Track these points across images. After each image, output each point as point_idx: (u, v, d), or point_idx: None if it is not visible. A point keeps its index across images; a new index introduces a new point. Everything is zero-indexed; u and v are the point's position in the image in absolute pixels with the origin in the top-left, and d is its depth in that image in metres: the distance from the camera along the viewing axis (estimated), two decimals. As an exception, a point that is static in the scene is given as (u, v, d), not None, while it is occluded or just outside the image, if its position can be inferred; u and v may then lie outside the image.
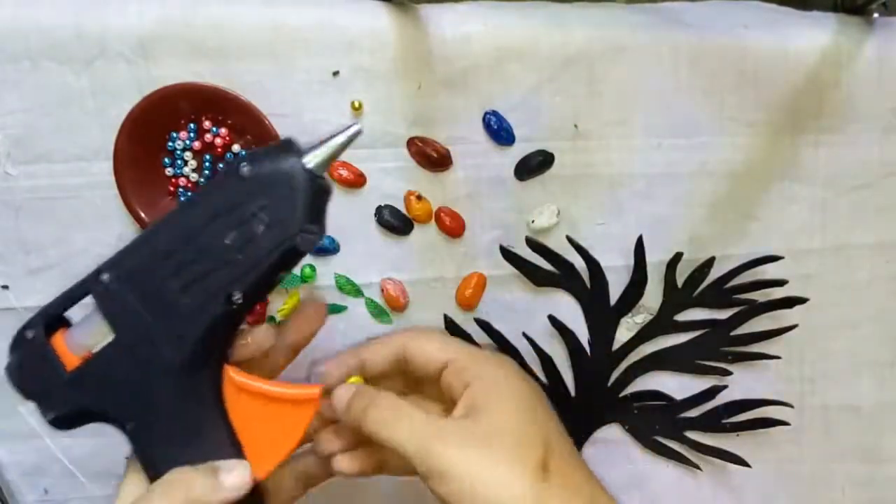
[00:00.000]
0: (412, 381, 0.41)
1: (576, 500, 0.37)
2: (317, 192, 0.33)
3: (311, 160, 0.32)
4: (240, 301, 0.33)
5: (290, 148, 0.33)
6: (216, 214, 0.33)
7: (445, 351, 0.39)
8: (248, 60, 0.41)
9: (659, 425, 0.49)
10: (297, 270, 0.45)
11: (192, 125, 0.41)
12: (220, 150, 0.42)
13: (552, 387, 0.48)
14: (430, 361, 0.39)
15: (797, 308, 0.46)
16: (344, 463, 0.40)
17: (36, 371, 0.35)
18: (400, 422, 0.36)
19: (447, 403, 0.39)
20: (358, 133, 0.33)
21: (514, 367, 0.40)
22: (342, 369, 0.39)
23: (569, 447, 0.39)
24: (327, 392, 0.38)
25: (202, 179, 0.42)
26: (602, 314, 0.47)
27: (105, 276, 0.34)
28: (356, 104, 0.42)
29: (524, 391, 0.39)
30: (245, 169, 0.32)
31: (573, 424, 0.48)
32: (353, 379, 0.39)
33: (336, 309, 0.46)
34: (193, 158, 0.42)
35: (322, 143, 0.33)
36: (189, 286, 0.33)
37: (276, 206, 0.32)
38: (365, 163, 0.43)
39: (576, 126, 0.43)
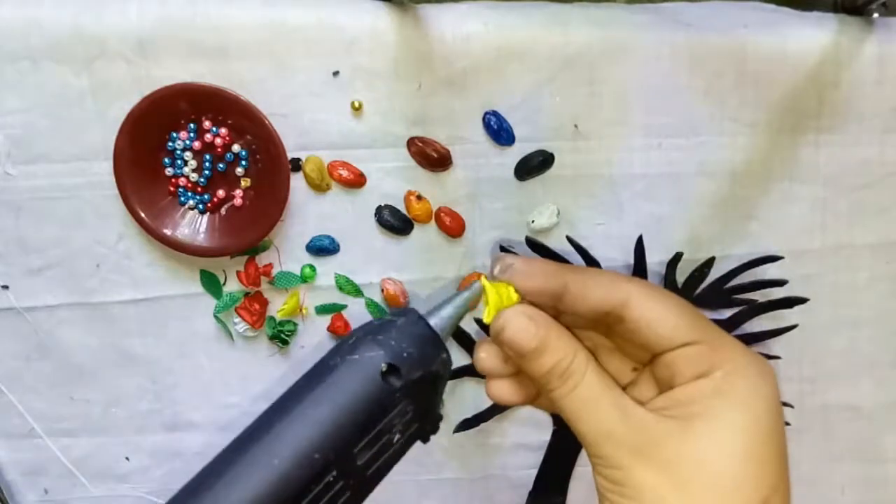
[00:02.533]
0: (601, 324, 0.34)
1: None
2: (447, 375, 0.29)
3: (445, 335, 0.28)
4: None
5: (426, 328, 0.28)
6: (356, 435, 0.27)
7: (691, 331, 0.31)
8: (248, 60, 0.41)
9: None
10: (296, 270, 0.45)
11: (192, 125, 0.41)
12: (220, 149, 0.42)
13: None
14: (664, 340, 0.31)
15: (797, 308, 0.46)
16: (502, 391, 0.33)
17: None
18: (599, 418, 0.30)
19: (651, 373, 0.33)
20: (482, 289, 0.30)
21: (772, 379, 0.31)
22: (538, 282, 0.32)
23: (788, 492, 0.31)
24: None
25: (202, 179, 0.42)
26: (602, 314, 0.47)
27: None
28: (356, 104, 0.42)
29: (770, 412, 0.30)
30: (387, 368, 0.27)
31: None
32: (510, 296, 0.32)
33: (335, 308, 0.46)
34: (193, 158, 0.42)
35: (446, 306, 0.29)
36: None
37: (417, 408, 0.28)
38: (365, 163, 0.43)
39: (576, 126, 0.43)
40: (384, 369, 0.27)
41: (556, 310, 0.33)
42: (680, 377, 0.31)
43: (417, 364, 0.28)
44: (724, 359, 0.30)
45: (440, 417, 0.29)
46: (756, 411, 0.29)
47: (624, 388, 0.33)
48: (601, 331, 0.34)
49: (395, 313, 0.31)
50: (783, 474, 0.30)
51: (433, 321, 0.30)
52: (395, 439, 0.28)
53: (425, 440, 0.29)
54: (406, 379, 0.27)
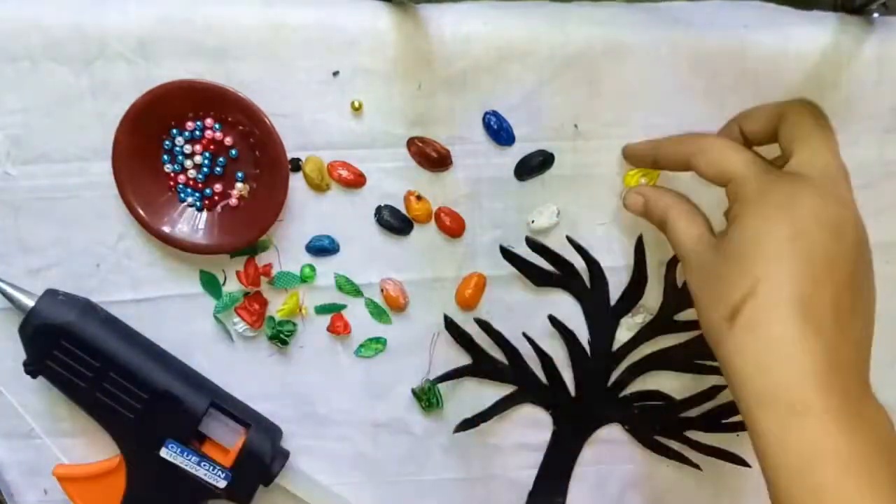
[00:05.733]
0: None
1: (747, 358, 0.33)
2: None
3: None
4: None
5: None
6: None
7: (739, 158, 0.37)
8: (248, 60, 0.41)
9: (659, 425, 0.49)
10: (296, 270, 0.45)
11: (192, 122, 0.41)
12: (219, 147, 0.42)
13: (552, 387, 0.48)
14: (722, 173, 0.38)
15: (797, 308, 0.46)
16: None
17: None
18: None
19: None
20: None
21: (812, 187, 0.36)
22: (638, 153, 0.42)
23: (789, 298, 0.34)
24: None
25: (200, 176, 0.42)
26: (602, 314, 0.47)
27: None
28: (356, 104, 0.42)
29: (792, 215, 0.35)
30: None
31: (573, 424, 0.49)
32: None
33: (335, 309, 0.46)
34: (193, 156, 0.42)
35: None
36: None
37: None
38: (365, 163, 0.43)
39: (576, 126, 0.43)
40: None
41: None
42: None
43: None
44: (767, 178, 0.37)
45: None
46: (778, 212, 0.36)
47: None
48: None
49: None
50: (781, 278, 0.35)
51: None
52: None
53: None
54: None
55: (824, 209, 0.35)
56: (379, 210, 0.44)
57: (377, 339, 0.46)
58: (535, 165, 0.43)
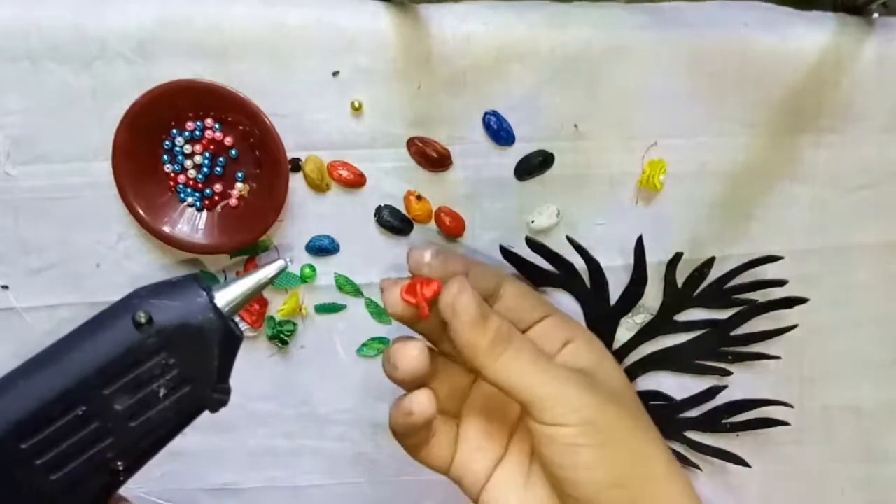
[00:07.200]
0: None
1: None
2: (230, 343, 0.28)
3: (224, 303, 0.28)
4: (123, 470, 0.27)
5: (196, 287, 0.28)
6: (104, 374, 0.26)
7: (545, 305, 0.42)
8: (248, 60, 0.41)
9: (659, 425, 0.49)
10: (296, 270, 0.45)
11: (192, 122, 0.41)
12: (219, 147, 0.42)
13: (552, 387, 0.48)
14: (529, 310, 0.41)
15: (797, 308, 0.46)
16: (427, 401, 0.38)
17: None
18: (550, 374, 0.37)
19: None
20: (283, 269, 0.31)
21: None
22: (448, 268, 0.38)
23: None
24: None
25: (200, 176, 0.42)
26: (602, 314, 0.47)
27: None
28: (356, 104, 0.42)
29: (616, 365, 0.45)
30: (143, 316, 0.27)
31: (573, 424, 0.49)
32: None
33: (335, 308, 0.46)
34: (193, 156, 0.42)
35: (237, 280, 0.29)
36: (59, 465, 0.26)
37: (183, 365, 0.27)
38: (365, 163, 0.43)
39: (576, 126, 0.43)
40: (140, 318, 0.27)
41: None
42: (552, 342, 0.41)
43: (175, 315, 0.27)
44: (576, 326, 0.43)
45: (227, 389, 0.28)
46: (606, 351, 0.44)
47: None
48: None
49: (177, 277, 0.31)
50: None
51: (216, 289, 0.29)
52: (162, 394, 0.27)
53: (212, 409, 0.28)
54: (159, 326, 0.27)
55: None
56: (379, 210, 0.44)
57: (379, 339, 0.46)
58: (535, 165, 0.43)
